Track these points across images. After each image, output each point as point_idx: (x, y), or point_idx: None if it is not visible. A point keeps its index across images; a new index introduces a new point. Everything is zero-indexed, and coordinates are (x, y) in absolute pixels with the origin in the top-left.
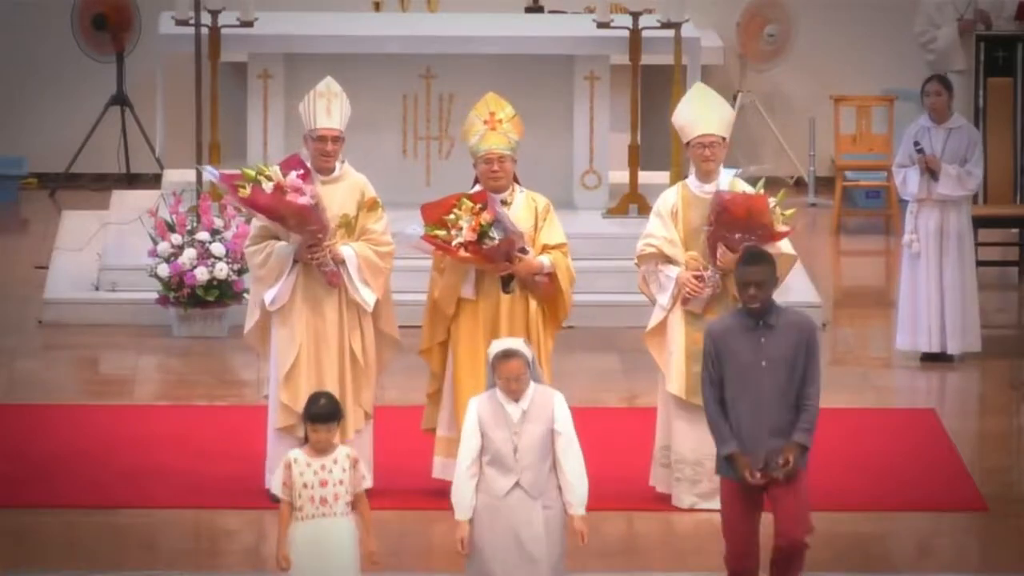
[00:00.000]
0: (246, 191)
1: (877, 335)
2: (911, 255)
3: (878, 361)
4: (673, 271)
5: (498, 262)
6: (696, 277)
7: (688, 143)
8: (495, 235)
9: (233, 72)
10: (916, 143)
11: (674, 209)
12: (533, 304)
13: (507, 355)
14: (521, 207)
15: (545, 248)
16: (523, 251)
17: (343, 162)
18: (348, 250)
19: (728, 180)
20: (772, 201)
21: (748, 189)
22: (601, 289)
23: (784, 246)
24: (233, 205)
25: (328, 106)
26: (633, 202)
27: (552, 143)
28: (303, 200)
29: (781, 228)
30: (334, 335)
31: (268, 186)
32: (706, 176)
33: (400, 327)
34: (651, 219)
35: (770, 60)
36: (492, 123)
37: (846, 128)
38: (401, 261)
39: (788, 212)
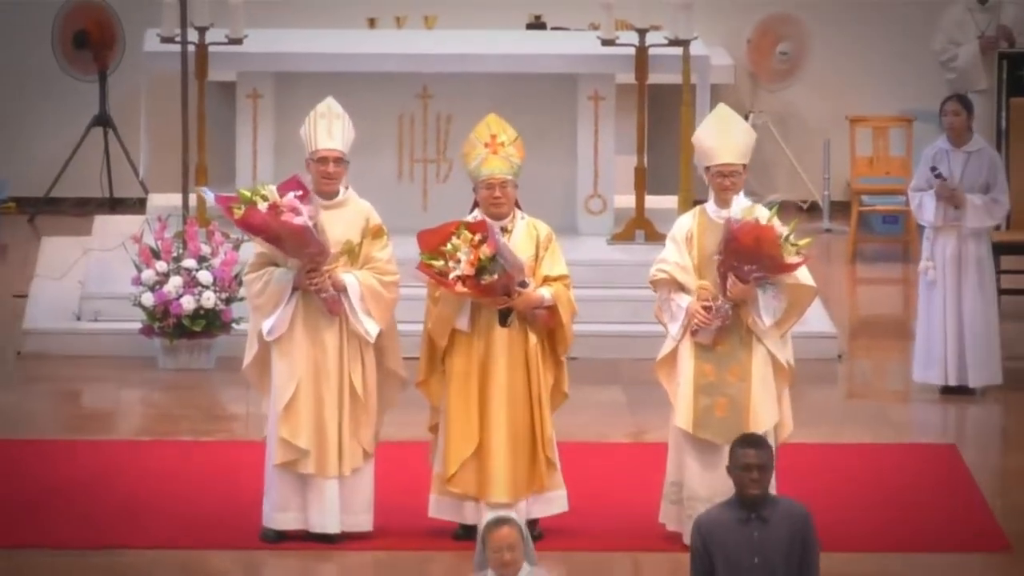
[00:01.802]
0: (240, 212)
1: (895, 367)
2: (927, 283)
3: (896, 394)
4: (684, 300)
5: (496, 297)
6: (705, 308)
7: (707, 168)
8: (494, 270)
9: (221, 92)
10: (933, 167)
11: (689, 234)
12: (532, 338)
13: (498, 523)
14: (522, 235)
15: (546, 280)
16: (523, 284)
17: (347, 187)
18: (351, 278)
19: (743, 207)
20: (784, 231)
21: (765, 215)
22: (606, 319)
23: (803, 277)
24: (221, 231)
25: (329, 127)
26: (639, 228)
27: (555, 166)
28: (299, 220)
29: (792, 259)
30: (335, 367)
31: (263, 206)
32: (724, 204)
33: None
34: (667, 243)
35: (783, 79)
36: (493, 146)
37: (862, 150)
38: (401, 290)
39: (803, 242)
